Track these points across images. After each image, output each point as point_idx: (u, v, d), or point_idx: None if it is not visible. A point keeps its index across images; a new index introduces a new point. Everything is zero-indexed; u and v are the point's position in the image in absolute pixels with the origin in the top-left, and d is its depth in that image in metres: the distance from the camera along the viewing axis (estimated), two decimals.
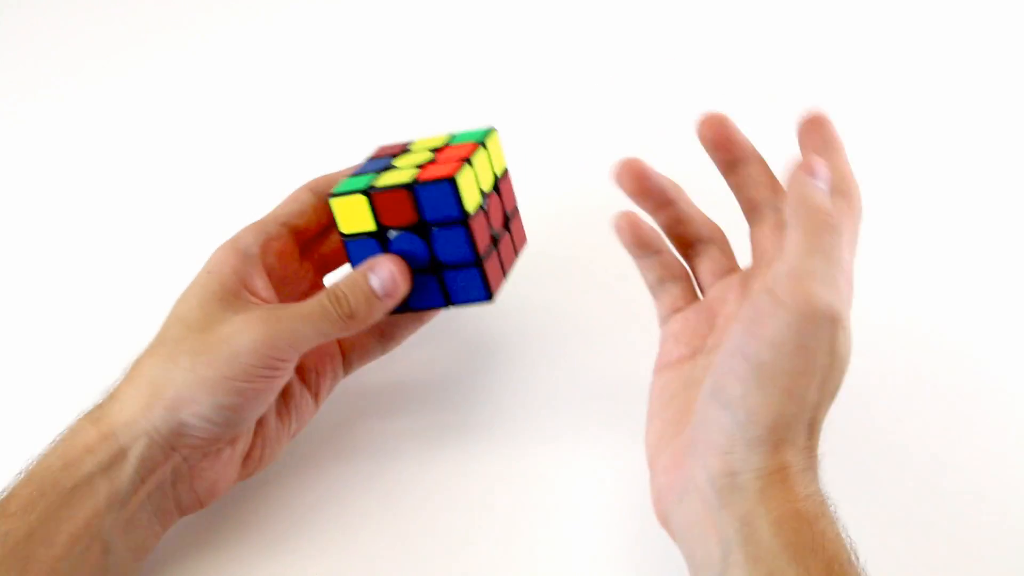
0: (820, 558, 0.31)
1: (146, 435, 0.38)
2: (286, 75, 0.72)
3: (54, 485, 0.37)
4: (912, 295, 0.49)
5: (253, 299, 0.41)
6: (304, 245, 0.45)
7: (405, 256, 0.42)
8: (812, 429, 0.33)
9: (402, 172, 0.42)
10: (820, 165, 0.35)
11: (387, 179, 0.41)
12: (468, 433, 0.46)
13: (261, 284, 0.42)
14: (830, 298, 0.32)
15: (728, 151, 0.41)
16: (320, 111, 0.68)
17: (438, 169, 0.41)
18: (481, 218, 0.42)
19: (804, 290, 0.32)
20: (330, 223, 0.45)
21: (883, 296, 0.48)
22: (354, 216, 0.42)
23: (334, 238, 0.46)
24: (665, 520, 0.36)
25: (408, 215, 0.41)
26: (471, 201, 0.41)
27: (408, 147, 0.45)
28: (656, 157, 0.58)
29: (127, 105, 0.70)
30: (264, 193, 0.47)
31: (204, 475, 0.40)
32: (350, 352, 0.46)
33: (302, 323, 0.40)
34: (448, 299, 0.43)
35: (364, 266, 0.42)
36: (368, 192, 0.41)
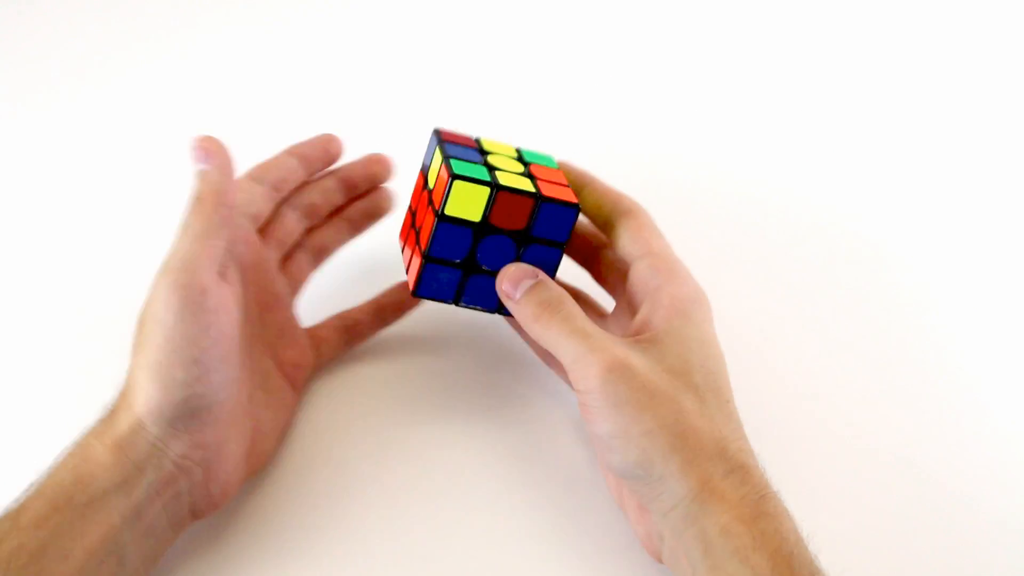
0: (763, 554, 0.34)
1: (153, 447, 0.38)
2: (281, 74, 0.69)
3: (68, 501, 0.36)
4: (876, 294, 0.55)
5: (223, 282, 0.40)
6: (262, 232, 0.45)
7: (487, 253, 0.42)
8: (711, 441, 0.37)
9: (517, 178, 0.42)
10: (508, 279, 0.41)
11: (510, 180, 0.42)
12: (469, 433, 0.46)
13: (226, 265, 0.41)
14: (599, 360, 0.37)
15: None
16: (313, 107, 0.66)
17: (556, 191, 0.42)
18: None
19: (581, 374, 0.38)
20: (279, 209, 0.47)
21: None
22: (466, 203, 0.41)
23: (285, 221, 0.47)
24: (659, 559, 0.40)
25: (519, 222, 0.42)
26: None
27: (479, 143, 0.45)
28: (655, 157, 0.63)
29: (127, 106, 0.65)
30: None
31: (216, 477, 0.40)
32: (320, 345, 0.47)
33: (178, 238, 0.39)
34: (459, 298, 0.44)
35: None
36: (495, 187, 0.41)
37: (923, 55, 0.73)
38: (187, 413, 0.38)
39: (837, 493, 0.44)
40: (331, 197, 0.49)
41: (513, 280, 0.41)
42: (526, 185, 0.42)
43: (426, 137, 0.46)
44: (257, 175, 0.45)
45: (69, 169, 0.60)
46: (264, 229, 0.46)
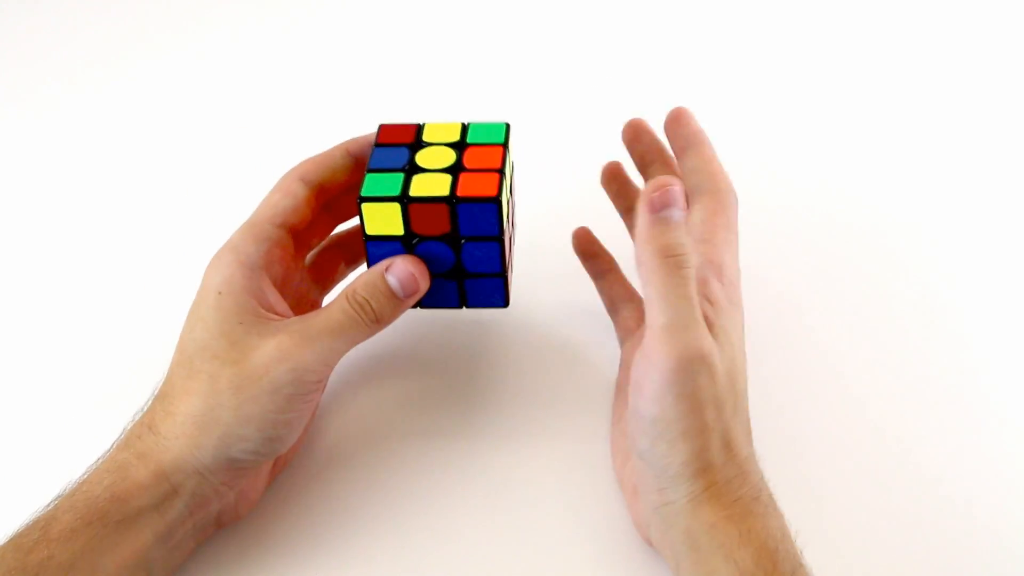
0: (747, 550, 0.35)
1: (198, 474, 0.38)
2: (280, 71, 0.69)
3: (101, 517, 0.36)
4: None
5: (271, 316, 0.40)
6: (296, 238, 0.43)
7: (428, 260, 0.41)
8: (728, 445, 0.37)
9: (435, 179, 0.40)
10: (662, 192, 0.35)
11: (422, 187, 0.40)
12: (471, 434, 0.46)
13: (273, 297, 0.41)
14: (691, 342, 0.35)
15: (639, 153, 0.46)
16: (314, 107, 0.66)
17: (476, 184, 0.40)
18: (508, 230, 0.42)
19: (665, 345, 0.35)
20: (321, 212, 0.44)
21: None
22: (383, 220, 0.40)
23: (323, 228, 0.46)
24: (648, 541, 0.40)
25: (442, 226, 0.40)
26: (505, 217, 0.41)
27: (420, 133, 0.43)
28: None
29: (126, 107, 0.67)
30: (260, 191, 0.44)
31: (246, 496, 0.41)
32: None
33: (332, 339, 0.39)
34: (464, 302, 0.43)
35: (380, 266, 0.41)
36: (404, 201, 0.40)
37: (926, 50, 0.69)
38: (246, 465, 0.39)
39: (836, 491, 0.43)
40: None
41: (665, 199, 0.35)
42: (440, 188, 0.40)
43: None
44: (305, 174, 0.43)
45: (69, 173, 0.62)
46: (301, 233, 0.44)
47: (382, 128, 0.44)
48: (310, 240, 0.45)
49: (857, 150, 0.62)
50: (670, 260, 0.35)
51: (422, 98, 0.67)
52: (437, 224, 0.40)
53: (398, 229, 0.41)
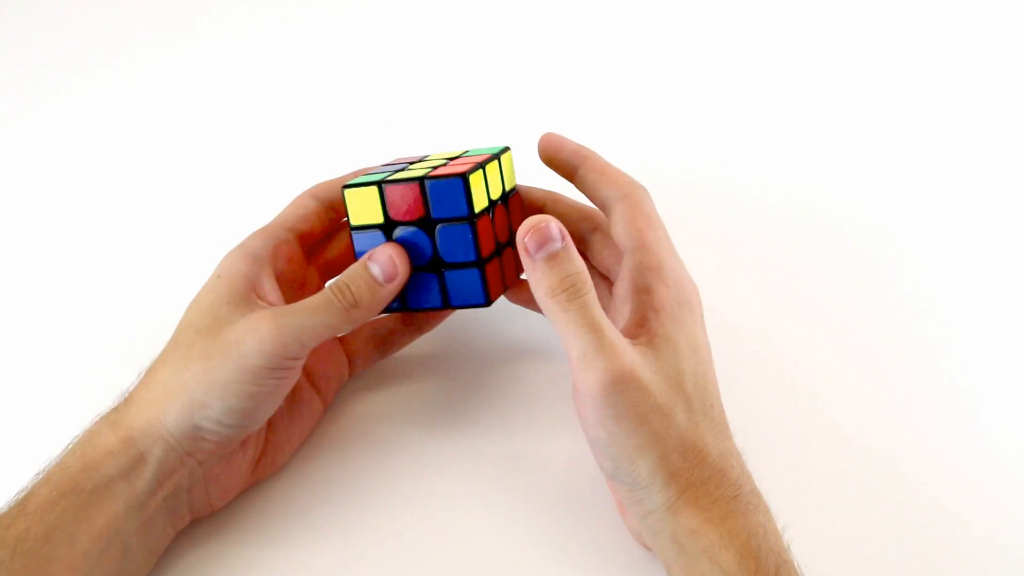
0: (729, 552, 0.35)
1: (163, 440, 0.39)
2: (291, 82, 0.72)
3: (74, 487, 0.37)
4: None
5: (261, 302, 0.42)
6: (309, 249, 0.46)
7: (408, 250, 0.43)
8: (693, 448, 0.36)
9: (416, 170, 0.43)
10: (533, 232, 0.37)
11: (400, 175, 0.43)
12: (471, 433, 0.46)
13: (269, 287, 0.43)
14: (606, 367, 0.35)
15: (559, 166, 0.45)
16: (326, 118, 0.68)
17: (449, 169, 0.42)
18: (487, 222, 0.43)
19: (585, 375, 0.36)
20: (333, 228, 0.47)
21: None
22: (364, 208, 0.43)
23: (338, 243, 0.48)
24: (646, 547, 0.40)
25: (416, 209, 0.42)
26: (479, 202, 0.42)
27: (425, 158, 0.47)
28: (653, 151, 0.61)
29: (132, 110, 0.71)
30: (270, 198, 0.48)
31: (218, 480, 0.41)
32: (354, 357, 0.48)
33: (307, 317, 0.40)
34: (447, 300, 0.43)
35: (364, 257, 0.43)
36: (380, 184, 0.42)
37: (924, 50, 0.69)
38: (210, 436, 0.40)
39: (823, 491, 0.43)
40: None
41: (538, 238, 0.37)
42: (415, 174, 0.42)
43: (436, 143, 0.48)
44: (317, 191, 0.46)
45: (73, 174, 0.64)
46: (312, 247, 0.47)
47: (396, 159, 0.48)
48: (322, 254, 0.47)
49: (840, 152, 0.61)
50: (561, 296, 0.37)
51: (422, 98, 0.68)
52: (412, 207, 0.42)
53: (378, 217, 0.43)
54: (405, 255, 0.42)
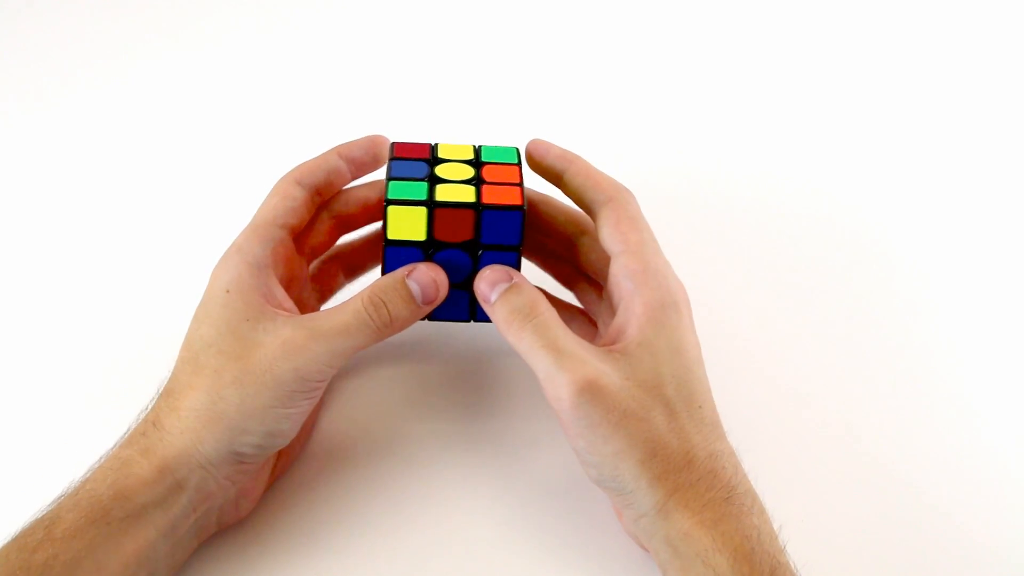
0: (723, 556, 0.35)
1: (200, 468, 0.38)
2: (291, 82, 0.69)
3: (105, 515, 0.36)
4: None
5: (279, 312, 0.40)
6: (296, 240, 0.44)
7: (444, 268, 0.42)
8: (679, 450, 0.37)
9: (459, 188, 0.41)
10: (484, 283, 0.40)
11: (447, 194, 0.41)
12: (472, 435, 0.46)
13: (280, 295, 0.41)
14: (568, 381, 0.37)
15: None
16: (326, 118, 0.66)
17: (500, 194, 0.41)
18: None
19: (552, 391, 0.38)
20: (318, 214, 0.45)
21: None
22: (406, 224, 0.41)
23: (319, 228, 0.45)
24: (643, 547, 0.41)
25: (465, 234, 0.41)
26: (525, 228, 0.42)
27: (435, 151, 0.44)
28: (647, 151, 0.62)
29: (126, 108, 0.66)
30: (261, 192, 0.44)
31: (247, 492, 0.41)
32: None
33: (339, 339, 0.39)
34: (474, 315, 0.44)
35: (403, 271, 0.41)
36: (431, 206, 0.41)
37: (922, 51, 0.71)
38: (248, 460, 0.39)
39: (819, 491, 0.44)
40: (370, 210, 0.46)
41: (489, 282, 0.40)
42: (466, 195, 0.41)
43: (434, 138, 0.46)
44: (301, 178, 0.43)
45: (69, 174, 0.61)
46: (300, 236, 0.44)
47: (396, 144, 0.45)
48: (307, 242, 0.45)
49: (833, 153, 0.63)
50: (515, 322, 0.39)
51: (421, 99, 0.67)
52: (460, 231, 0.41)
53: (420, 235, 0.41)
54: (446, 281, 0.41)
